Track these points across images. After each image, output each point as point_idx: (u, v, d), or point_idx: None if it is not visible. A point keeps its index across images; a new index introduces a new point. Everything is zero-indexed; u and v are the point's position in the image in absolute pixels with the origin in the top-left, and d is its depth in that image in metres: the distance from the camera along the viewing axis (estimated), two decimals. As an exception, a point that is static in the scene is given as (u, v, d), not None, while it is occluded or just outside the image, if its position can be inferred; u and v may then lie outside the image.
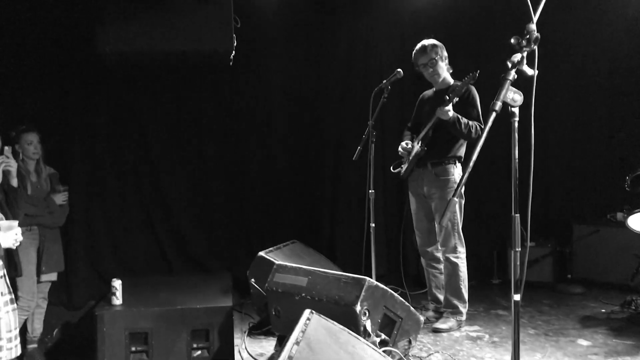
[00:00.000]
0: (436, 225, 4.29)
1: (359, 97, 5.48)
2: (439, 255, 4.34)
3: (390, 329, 3.17)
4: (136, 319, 3.55)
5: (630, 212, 4.22)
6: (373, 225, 4.06)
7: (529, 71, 2.00)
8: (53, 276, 4.18)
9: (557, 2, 5.21)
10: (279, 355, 2.25)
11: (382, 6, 5.60)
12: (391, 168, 4.50)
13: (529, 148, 1.99)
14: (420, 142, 4.18)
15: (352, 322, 2.89)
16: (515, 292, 2.00)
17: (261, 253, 4.14)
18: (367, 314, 2.98)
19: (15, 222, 2.96)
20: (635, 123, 5.59)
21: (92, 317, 3.54)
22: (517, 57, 1.97)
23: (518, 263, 1.97)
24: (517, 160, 2.01)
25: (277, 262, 3.71)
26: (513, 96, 1.95)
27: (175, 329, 3.55)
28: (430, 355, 3.65)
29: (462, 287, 4.20)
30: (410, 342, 3.30)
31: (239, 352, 3.80)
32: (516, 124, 1.99)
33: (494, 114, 1.90)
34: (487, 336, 4.08)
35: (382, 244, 5.55)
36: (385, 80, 4.06)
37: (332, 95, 5.62)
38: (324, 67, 5.62)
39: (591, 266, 5.39)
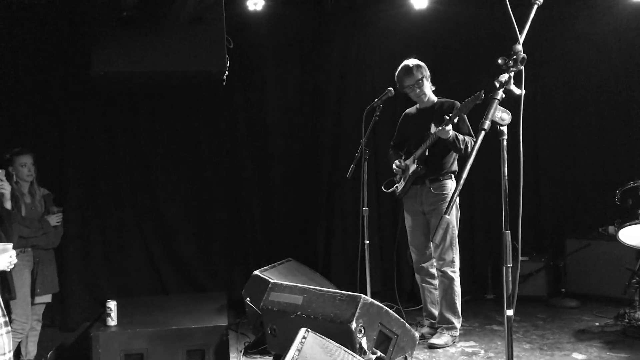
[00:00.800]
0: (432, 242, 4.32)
1: (351, 116, 5.52)
2: (434, 271, 4.36)
3: (386, 346, 3.18)
4: (131, 339, 3.54)
5: (621, 226, 4.25)
6: (367, 242, 4.09)
7: (517, 91, 2.04)
8: (47, 298, 4.17)
9: (546, 20, 5.35)
10: (275, 374, 2.26)
11: (373, 26, 5.68)
12: (383, 188, 4.53)
13: (518, 164, 2.03)
14: (416, 162, 4.22)
15: (347, 340, 2.90)
16: (508, 308, 2.02)
17: (256, 272, 4.14)
18: (363, 332, 2.99)
19: (10, 245, 2.95)
20: (624, 137, 5.66)
21: (87, 339, 3.54)
22: (504, 77, 2.01)
23: (510, 279, 2.00)
24: (506, 177, 2.04)
25: (272, 281, 3.72)
26: (501, 115, 1.99)
27: (171, 349, 3.54)
28: (426, 371, 3.66)
29: (457, 301, 4.23)
30: (406, 358, 3.30)
31: (235, 371, 3.80)
32: (505, 142, 2.03)
33: (483, 133, 1.94)
34: (482, 352, 4.08)
35: (377, 260, 5.55)
36: (377, 99, 4.12)
37: (326, 113, 5.66)
38: (318, 85, 5.67)
39: (584, 280, 5.42)
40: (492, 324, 4.80)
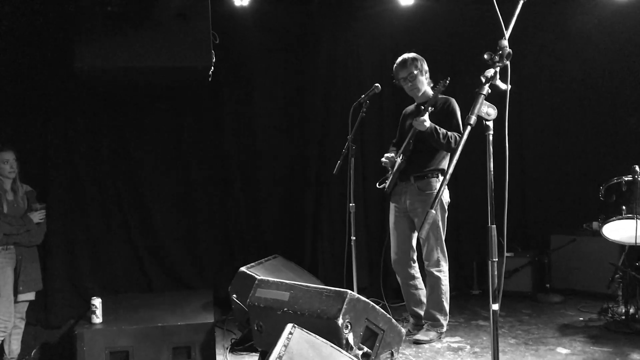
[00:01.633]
0: (413, 241, 4.31)
1: (338, 112, 5.53)
2: (413, 272, 4.35)
3: (373, 341, 3.18)
4: (117, 337, 3.51)
5: (605, 221, 4.30)
6: (354, 238, 4.09)
7: (502, 86, 2.05)
8: (31, 295, 4.13)
9: (531, 15, 5.38)
10: (261, 370, 2.25)
11: (360, 22, 5.68)
12: (377, 184, 4.51)
13: (503, 159, 2.04)
14: (401, 155, 4.21)
15: (334, 336, 2.90)
16: (494, 302, 2.03)
17: (242, 268, 4.13)
18: (349, 327, 2.99)
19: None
20: (608, 133, 5.72)
21: (72, 336, 3.51)
22: (490, 72, 2.02)
23: (495, 273, 2.01)
24: (492, 172, 2.05)
25: (258, 277, 3.71)
26: (487, 110, 2.00)
27: (157, 347, 3.52)
28: (412, 367, 3.67)
29: (443, 300, 4.22)
30: (392, 354, 3.31)
31: (222, 368, 3.78)
32: (491, 137, 2.04)
33: (469, 128, 1.95)
34: (468, 347, 4.11)
35: (364, 257, 5.56)
36: (363, 95, 4.11)
37: (313, 110, 5.66)
38: (304, 82, 5.66)
39: (569, 275, 5.48)
40: (477, 319, 4.83)
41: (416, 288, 4.36)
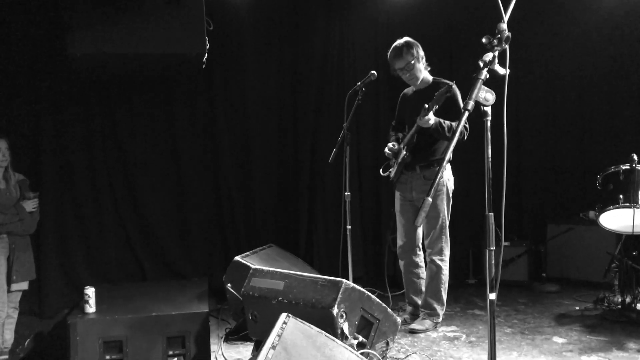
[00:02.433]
0: (419, 229, 4.28)
1: (334, 99, 5.49)
2: (418, 260, 4.33)
3: (368, 330, 3.16)
4: (110, 326, 3.48)
5: (602, 210, 4.27)
6: (349, 227, 4.07)
7: (501, 70, 2.01)
8: (24, 285, 4.10)
9: (529, 3, 5.33)
10: (255, 360, 2.22)
11: (355, 9, 5.62)
12: (380, 171, 4.45)
13: (501, 146, 2.00)
14: (405, 148, 4.17)
15: (329, 325, 2.88)
16: (491, 291, 2.00)
17: (237, 258, 4.10)
18: (345, 317, 2.96)
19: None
20: (605, 122, 5.70)
21: (65, 326, 3.47)
22: (488, 56, 1.98)
23: (493, 262, 1.98)
24: (490, 159, 2.01)
25: (253, 267, 3.68)
26: (485, 95, 1.96)
27: (151, 336, 3.50)
28: (408, 356, 3.65)
29: (442, 289, 4.20)
30: (387, 343, 3.30)
31: (216, 358, 3.76)
32: (489, 123, 2.00)
33: (466, 113, 1.91)
34: (464, 336, 4.09)
35: (359, 245, 5.55)
36: (359, 83, 4.06)
37: (307, 98, 5.62)
38: (299, 70, 5.61)
39: (565, 264, 5.47)
40: (473, 308, 4.81)
41: (418, 277, 4.35)
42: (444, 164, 1.89)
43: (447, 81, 4.00)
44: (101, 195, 5.21)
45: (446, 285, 4.22)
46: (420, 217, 1.91)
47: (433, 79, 4.16)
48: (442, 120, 3.91)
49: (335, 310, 2.91)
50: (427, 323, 4.18)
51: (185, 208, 5.44)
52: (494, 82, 2.05)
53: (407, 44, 4.05)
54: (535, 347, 3.80)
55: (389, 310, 3.27)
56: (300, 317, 2.55)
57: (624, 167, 4.20)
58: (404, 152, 4.15)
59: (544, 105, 5.95)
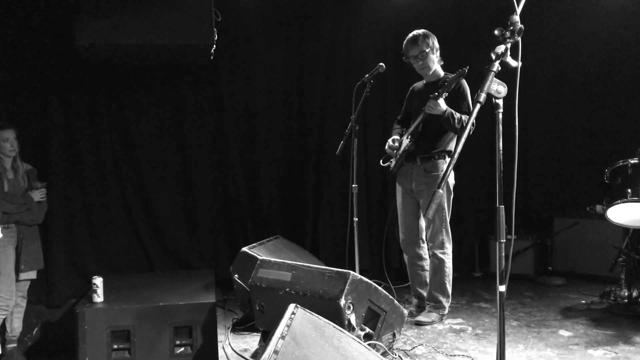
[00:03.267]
0: (421, 221, 4.29)
1: (341, 91, 5.48)
2: (422, 252, 4.34)
3: (375, 322, 3.18)
4: (118, 316, 3.50)
5: (609, 205, 4.26)
6: (356, 219, 4.06)
7: (513, 63, 2.00)
8: (32, 274, 4.12)
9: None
10: (264, 350, 2.23)
11: (364, 0, 5.60)
12: (381, 161, 4.46)
13: (512, 139, 2.00)
14: (409, 137, 4.16)
15: (336, 316, 2.89)
16: (500, 284, 2.00)
17: (244, 249, 4.11)
18: (352, 308, 2.98)
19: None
20: (614, 115, 5.67)
21: (73, 315, 3.49)
22: (500, 48, 1.97)
23: (503, 254, 1.98)
24: (501, 152, 2.01)
25: (260, 258, 3.69)
26: (497, 88, 1.95)
27: (158, 326, 3.51)
28: (414, 348, 3.67)
29: (446, 282, 4.21)
30: (394, 335, 3.31)
31: (223, 348, 3.78)
32: (500, 116, 2.00)
33: (478, 106, 1.90)
34: (470, 329, 4.10)
35: (366, 238, 5.56)
36: (367, 75, 4.05)
37: (314, 90, 5.60)
38: (306, 61, 5.59)
39: (571, 258, 5.46)
40: (479, 301, 4.82)
41: (422, 269, 4.35)
42: (455, 157, 1.88)
43: (460, 79, 3.99)
44: (109, 186, 5.22)
45: (450, 277, 4.23)
46: (431, 209, 1.91)
47: (445, 74, 4.15)
48: (454, 111, 3.90)
49: (342, 302, 2.92)
50: (433, 315, 4.19)
51: (193, 199, 5.44)
52: (504, 74, 2.04)
53: (424, 33, 4.09)
54: (542, 340, 3.80)
55: (395, 302, 3.28)
56: (307, 308, 2.56)
57: (632, 161, 4.19)
58: (408, 141, 4.14)
59: (552, 99, 5.92)
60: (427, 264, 4.35)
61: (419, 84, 4.36)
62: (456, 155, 1.89)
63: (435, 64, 4.14)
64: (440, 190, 1.89)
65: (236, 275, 4.01)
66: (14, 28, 4.78)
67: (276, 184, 5.63)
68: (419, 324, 4.14)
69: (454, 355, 3.56)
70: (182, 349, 3.56)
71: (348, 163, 4.09)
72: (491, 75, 1.92)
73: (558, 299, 4.80)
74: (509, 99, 2.03)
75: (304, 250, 4.93)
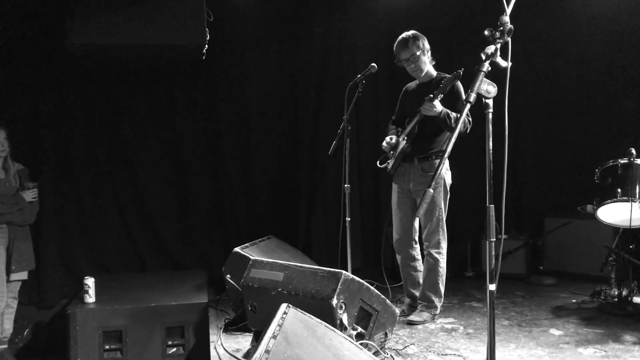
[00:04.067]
0: (416, 222, 4.29)
1: (334, 92, 5.49)
2: (415, 253, 4.35)
3: (367, 322, 3.18)
4: (110, 316, 3.49)
5: (600, 204, 4.29)
6: (349, 219, 4.08)
7: (503, 63, 2.02)
8: (23, 275, 4.10)
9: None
10: (256, 349, 2.24)
11: (356, 1, 5.61)
12: (377, 163, 4.47)
13: (502, 139, 2.01)
14: (405, 138, 4.17)
15: (328, 316, 2.89)
16: (490, 282, 2.01)
17: (237, 249, 4.11)
18: (344, 308, 2.98)
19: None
20: (604, 116, 5.70)
21: (65, 316, 3.47)
22: (490, 48, 1.98)
23: (493, 253, 1.99)
24: (491, 152, 2.02)
25: (252, 258, 3.70)
26: (487, 88, 1.96)
27: (150, 326, 3.51)
28: (406, 347, 3.68)
29: (439, 282, 4.22)
30: (386, 334, 3.32)
31: (215, 348, 3.78)
32: (490, 116, 2.01)
33: (468, 105, 1.92)
34: (461, 328, 4.12)
35: (358, 237, 5.57)
36: (359, 75, 4.06)
37: (307, 90, 5.61)
38: (299, 62, 5.60)
39: (562, 258, 5.50)
40: (471, 300, 4.84)
41: (415, 270, 4.36)
42: (445, 156, 1.90)
43: (455, 81, 4.02)
44: (101, 186, 5.21)
45: (444, 278, 4.24)
46: (421, 209, 1.92)
47: (437, 74, 4.18)
48: (450, 111, 3.93)
49: (334, 301, 2.93)
50: (425, 315, 4.21)
51: (186, 199, 5.44)
52: (494, 75, 2.05)
53: (414, 35, 4.10)
54: (533, 339, 3.82)
55: (387, 301, 3.29)
56: (299, 307, 2.56)
57: (622, 161, 4.21)
58: (404, 143, 4.15)
59: (543, 99, 5.95)
60: (420, 264, 4.36)
61: (412, 84, 4.37)
62: (447, 154, 1.90)
63: (427, 65, 4.16)
64: (431, 190, 1.90)
65: (228, 276, 4.01)
66: (5, 26, 4.75)
67: (269, 184, 5.63)
68: (410, 323, 4.15)
69: (446, 355, 3.57)
70: (174, 349, 3.56)
71: (341, 163, 4.10)
72: (481, 76, 1.93)
73: (549, 298, 4.83)
74: (499, 99, 2.04)
75: (296, 250, 4.93)
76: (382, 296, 3.26)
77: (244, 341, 3.92)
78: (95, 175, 5.19)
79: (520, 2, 2.15)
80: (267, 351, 2.21)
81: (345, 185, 4.05)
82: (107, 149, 5.21)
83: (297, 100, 5.63)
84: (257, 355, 2.18)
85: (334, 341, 2.48)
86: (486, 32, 1.99)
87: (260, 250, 4.29)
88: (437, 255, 4.18)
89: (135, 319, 3.50)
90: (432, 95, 3.84)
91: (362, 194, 5.70)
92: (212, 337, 3.83)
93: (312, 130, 5.60)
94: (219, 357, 3.66)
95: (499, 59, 1.99)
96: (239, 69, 5.49)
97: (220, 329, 4.18)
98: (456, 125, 1.91)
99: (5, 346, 4.01)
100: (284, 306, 2.50)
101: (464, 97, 4.04)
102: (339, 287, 2.97)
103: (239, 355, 3.68)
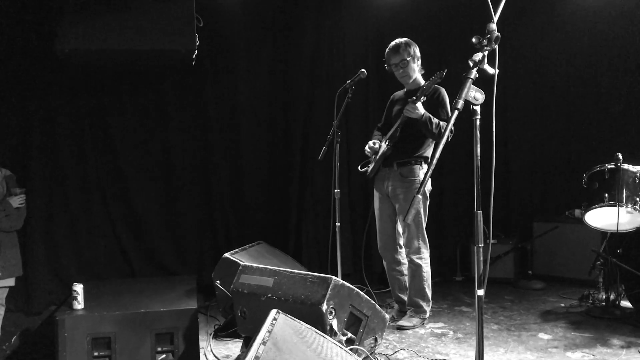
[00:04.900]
0: (398, 226, 4.31)
1: (323, 97, 5.49)
2: (399, 257, 4.36)
3: (357, 327, 3.19)
4: (98, 323, 3.47)
5: (588, 209, 4.33)
6: (339, 224, 4.08)
7: (490, 70, 2.04)
8: (11, 281, 4.07)
9: (518, 5, 5.39)
10: (245, 356, 2.23)
11: (346, 6, 5.63)
12: (359, 167, 4.50)
13: (490, 145, 2.03)
14: (387, 141, 4.19)
15: (318, 321, 2.89)
16: (479, 288, 2.03)
17: (226, 254, 4.10)
18: (334, 313, 2.98)
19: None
20: (591, 121, 5.76)
21: (53, 323, 3.45)
22: (478, 56, 2.00)
23: (481, 259, 2.00)
24: (479, 158, 2.04)
25: (242, 263, 3.69)
26: (475, 94, 1.98)
27: (139, 333, 3.49)
28: (396, 352, 3.69)
29: (425, 287, 4.23)
30: (376, 340, 3.32)
31: (205, 354, 3.77)
32: (478, 122, 2.03)
33: (456, 112, 1.93)
34: (451, 332, 4.13)
35: (348, 243, 5.57)
36: (349, 81, 4.08)
37: (297, 95, 5.61)
38: (289, 68, 5.60)
39: (551, 262, 5.53)
40: (460, 305, 4.86)
41: (402, 274, 4.37)
42: (434, 163, 1.91)
43: (438, 86, 4.06)
44: (90, 191, 5.17)
45: (429, 282, 4.25)
46: (410, 214, 1.94)
47: (425, 83, 4.19)
48: (432, 116, 3.95)
49: (324, 307, 2.93)
50: (415, 320, 4.22)
51: (175, 204, 5.41)
52: (483, 81, 2.07)
53: (406, 42, 4.15)
54: (522, 343, 3.85)
55: (377, 306, 3.30)
56: (289, 313, 2.57)
57: (609, 166, 4.25)
58: (385, 146, 4.17)
59: (531, 104, 5.99)
60: (405, 268, 4.37)
61: (399, 93, 4.41)
62: (434, 162, 1.91)
63: (416, 73, 4.20)
64: (419, 196, 1.91)
65: (218, 282, 4.00)
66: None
67: (260, 189, 5.62)
68: (400, 328, 4.16)
69: (435, 359, 3.58)
70: (164, 355, 3.55)
71: (331, 168, 4.11)
72: (469, 83, 1.95)
73: (538, 303, 4.86)
74: (487, 106, 2.06)
75: (286, 256, 4.93)
76: (372, 301, 3.27)
77: (233, 347, 3.92)
78: (84, 180, 5.15)
79: (510, 8, 2.16)
80: (256, 357, 2.21)
81: (335, 191, 4.06)
82: (96, 154, 5.17)
83: (287, 106, 5.63)
84: (246, 361, 2.18)
85: (324, 347, 2.48)
86: (474, 40, 2.01)
87: (250, 256, 4.28)
88: (418, 261, 4.19)
89: (124, 325, 3.48)
90: (414, 97, 3.87)
91: (352, 199, 5.70)
92: (202, 343, 3.82)
93: (303, 135, 5.61)
94: (209, 363, 3.65)
95: (486, 66, 2.01)
96: (229, 74, 5.48)
97: (210, 335, 4.17)
98: (442, 133, 1.93)
99: (-7, 354, 3.98)
100: (273, 312, 2.50)
101: (448, 105, 4.08)
102: (328, 292, 2.97)
103: (229, 361, 3.67)
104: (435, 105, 4.04)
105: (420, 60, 4.21)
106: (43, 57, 4.76)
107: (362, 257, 5.11)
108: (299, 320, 2.55)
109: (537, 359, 3.56)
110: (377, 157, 4.24)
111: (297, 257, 5.25)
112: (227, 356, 3.76)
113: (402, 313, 4.37)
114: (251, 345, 2.30)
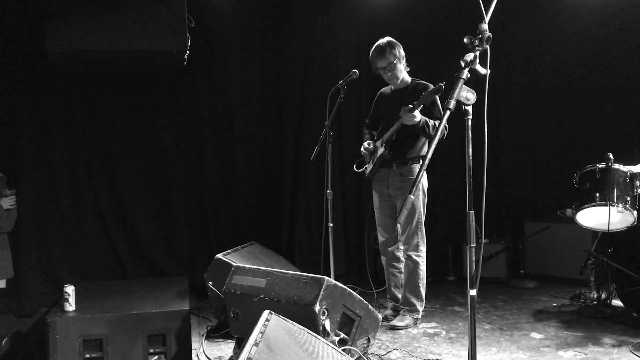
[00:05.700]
0: (398, 224, 4.33)
1: (316, 98, 5.50)
2: (400, 254, 4.38)
3: (349, 327, 3.19)
4: (90, 325, 3.45)
5: (579, 208, 4.35)
6: (331, 224, 4.07)
7: (482, 70, 2.04)
8: (1, 283, 4.06)
9: (507, 6, 5.41)
10: (237, 357, 2.23)
11: (338, 7, 5.63)
12: (354, 167, 4.51)
13: (482, 145, 2.03)
14: (384, 145, 4.20)
15: (311, 322, 2.89)
16: (471, 288, 2.03)
17: (219, 255, 4.09)
18: (326, 314, 2.98)
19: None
20: (583, 121, 5.79)
21: (44, 325, 3.43)
22: (469, 56, 2.01)
23: (473, 259, 2.01)
24: (471, 158, 2.04)
25: (235, 264, 3.68)
26: (466, 95, 1.99)
27: (131, 334, 3.47)
28: (388, 352, 3.69)
29: (420, 285, 4.25)
30: (369, 340, 3.32)
31: (197, 355, 3.76)
32: (470, 122, 2.03)
33: (448, 112, 1.94)
34: (444, 332, 4.14)
35: (341, 243, 5.57)
36: (341, 81, 4.07)
37: (290, 96, 5.61)
38: (281, 68, 5.61)
39: (543, 261, 5.55)
40: (453, 305, 4.86)
41: (400, 271, 4.41)
42: (426, 162, 1.91)
43: (426, 82, 4.08)
44: (81, 192, 5.15)
45: (424, 281, 4.27)
46: (402, 215, 1.94)
47: (412, 80, 4.23)
48: (428, 119, 3.97)
49: (317, 308, 2.92)
50: (408, 319, 4.22)
51: (167, 205, 5.40)
52: (475, 81, 2.07)
53: (389, 43, 4.12)
54: (514, 342, 3.86)
55: (370, 307, 3.30)
56: (282, 314, 2.56)
57: (600, 166, 4.27)
58: (383, 150, 4.19)
59: (523, 103, 6.03)
60: (403, 266, 4.39)
61: (386, 89, 4.43)
62: (427, 160, 1.91)
63: (403, 72, 4.22)
64: (412, 196, 1.91)
65: (210, 282, 3.98)
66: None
67: (252, 190, 5.62)
68: (393, 328, 4.16)
69: (428, 359, 3.59)
70: (156, 357, 3.52)
71: (323, 169, 4.11)
72: (460, 83, 1.95)
73: (530, 302, 4.88)
74: (479, 106, 2.06)
75: (279, 256, 4.92)
76: (365, 302, 3.27)
77: (226, 348, 3.90)
78: (76, 181, 5.13)
79: (501, 9, 2.17)
80: (249, 358, 2.20)
81: (328, 191, 4.06)
82: (87, 155, 5.16)
83: (279, 106, 5.63)
84: (239, 362, 2.17)
85: (317, 348, 2.47)
86: (465, 40, 2.01)
87: (243, 257, 4.27)
88: (416, 258, 4.21)
89: (116, 327, 3.46)
90: (411, 106, 3.84)
91: (345, 200, 5.71)
92: (194, 345, 3.81)
93: (296, 135, 5.61)
94: (201, 364, 3.64)
95: (478, 66, 2.02)
96: (221, 74, 5.47)
97: (203, 336, 4.15)
98: (435, 133, 1.93)
99: (-17, 356, 3.95)
100: (266, 313, 2.49)
101: (439, 103, 4.10)
102: (321, 293, 2.97)
103: (222, 362, 3.66)
104: (428, 106, 4.04)
105: (405, 58, 4.21)
106: (34, 58, 4.74)
107: (366, 259, 5.11)
108: (291, 321, 2.54)
109: (530, 358, 3.57)
110: (375, 159, 4.25)
111: (289, 257, 5.25)
112: (220, 357, 3.75)
113: (395, 313, 4.37)
114: (244, 347, 2.30)
